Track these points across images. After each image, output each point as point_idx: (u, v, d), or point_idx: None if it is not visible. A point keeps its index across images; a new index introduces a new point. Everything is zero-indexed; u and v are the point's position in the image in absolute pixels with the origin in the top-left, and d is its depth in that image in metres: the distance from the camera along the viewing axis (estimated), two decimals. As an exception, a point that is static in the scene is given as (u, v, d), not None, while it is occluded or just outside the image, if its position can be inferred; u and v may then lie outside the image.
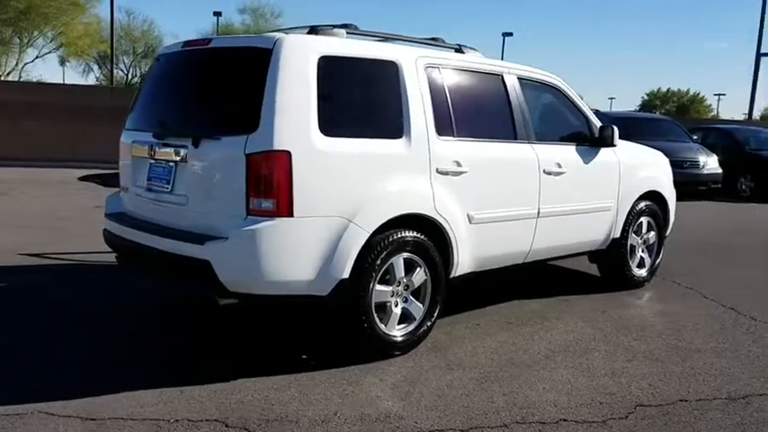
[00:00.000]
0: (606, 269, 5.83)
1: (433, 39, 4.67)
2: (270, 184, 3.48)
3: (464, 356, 4.09)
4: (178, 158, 3.82)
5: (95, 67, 45.74)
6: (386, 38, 4.38)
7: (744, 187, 14.97)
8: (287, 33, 3.76)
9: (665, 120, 15.66)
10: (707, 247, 8.04)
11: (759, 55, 30.50)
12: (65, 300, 4.95)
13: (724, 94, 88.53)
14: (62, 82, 37.90)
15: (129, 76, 46.51)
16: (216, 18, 42.31)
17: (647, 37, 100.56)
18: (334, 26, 4.00)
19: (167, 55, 4.34)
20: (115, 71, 36.47)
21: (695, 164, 13.61)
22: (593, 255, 5.65)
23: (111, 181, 12.96)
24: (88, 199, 10.31)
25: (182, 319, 4.73)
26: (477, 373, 3.83)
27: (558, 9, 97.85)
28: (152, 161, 4.03)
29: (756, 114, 33.87)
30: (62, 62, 44.25)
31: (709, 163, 13.97)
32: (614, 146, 5.33)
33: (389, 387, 3.62)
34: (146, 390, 3.44)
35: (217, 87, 3.84)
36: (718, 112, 66.88)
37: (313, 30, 3.90)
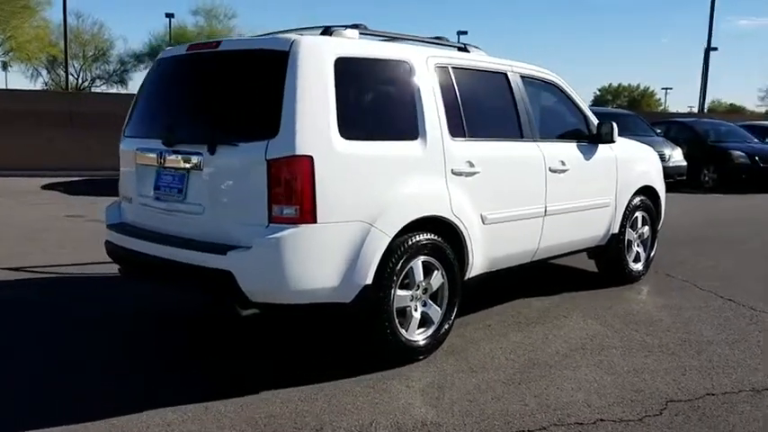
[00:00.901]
0: (604, 265, 5.87)
1: (437, 38, 4.62)
2: (293, 191, 3.38)
3: (484, 359, 4.04)
4: (191, 166, 3.68)
5: (44, 72, 44.47)
6: (393, 38, 4.30)
7: (707, 179, 15.35)
8: (300, 34, 3.66)
9: (629, 114, 15.92)
10: (688, 240, 8.18)
11: (708, 49, 31.35)
12: (59, 314, 4.73)
13: (671, 88, 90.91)
14: (4, 87, 36.77)
15: (80, 80, 45.33)
16: (168, 20, 41.64)
17: (591, 33, 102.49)
18: (346, 26, 3.91)
19: (169, 59, 4.18)
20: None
21: (661, 157, 13.77)
22: (592, 251, 5.67)
23: (75, 189, 12.64)
24: (58, 208, 9.99)
25: (186, 327, 4.57)
26: (502, 375, 3.79)
27: (506, 7, 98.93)
28: (160, 169, 3.88)
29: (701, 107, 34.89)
30: (4, 67, 42.90)
31: (674, 156, 14.28)
32: (614, 142, 5.37)
33: (418, 393, 3.55)
34: (167, 407, 3.29)
35: (231, 92, 3.71)
36: (666, 106, 68.71)
37: (326, 30, 3.80)
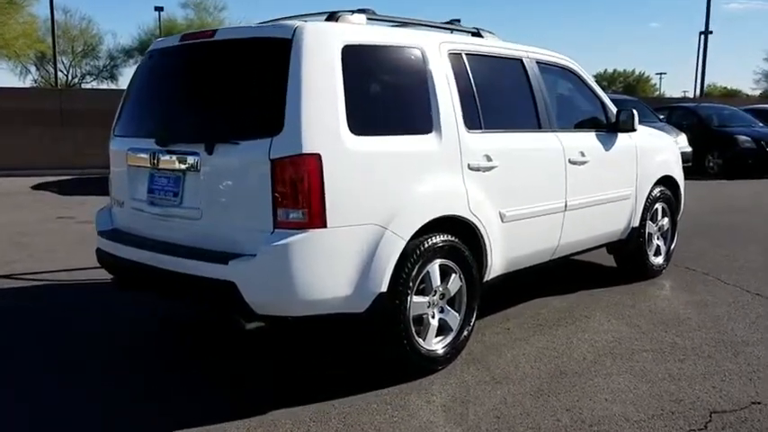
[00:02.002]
0: (625, 259, 5.59)
1: (450, 21, 4.31)
2: (300, 192, 3.07)
3: (507, 367, 3.76)
4: (187, 167, 3.38)
5: (33, 69, 43.84)
6: (404, 23, 3.99)
7: (711, 164, 15.08)
8: (304, 21, 3.35)
9: (631, 100, 15.59)
10: (703, 229, 7.90)
11: (706, 33, 31.01)
12: (52, 328, 4.43)
13: (665, 73, 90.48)
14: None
15: (70, 77, 44.75)
16: (158, 13, 41.02)
17: (582, 19, 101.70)
18: (352, 11, 3.59)
19: (161, 51, 3.86)
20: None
21: (666, 143, 13.58)
22: (612, 245, 5.39)
23: (66, 188, 12.30)
24: (48, 209, 9.67)
25: (188, 337, 4.28)
26: (529, 387, 3.50)
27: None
28: (154, 171, 3.57)
29: (697, 91, 34.54)
30: (-8, 64, 42.23)
31: (680, 141, 13.92)
32: (634, 131, 5.08)
33: (440, 409, 3.27)
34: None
35: (229, 85, 3.39)
36: (662, 91, 68.39)
37: (332, 16, 3.48)
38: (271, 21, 3.79)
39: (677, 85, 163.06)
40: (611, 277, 5.62)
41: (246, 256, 3.12)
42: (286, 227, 3.10)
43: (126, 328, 4.45)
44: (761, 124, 16.09)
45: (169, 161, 3.45)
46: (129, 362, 3.87)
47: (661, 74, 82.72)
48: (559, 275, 5.68)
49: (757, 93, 57.03)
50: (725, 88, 67.47)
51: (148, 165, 3.57)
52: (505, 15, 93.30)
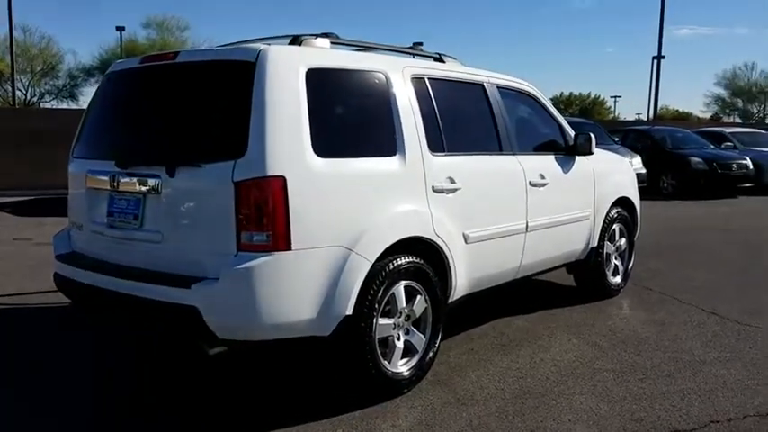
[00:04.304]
0: (584, 279, 5.68)
1: (412, 46, 4.36)
2: (264, 215, 3.06)
3: (472, 388, 3.77)
4: (147, 190, 3.33)
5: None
6: (367, 47, 4.02)
7: (666, 185, 15.45)
8: (267, 44, 3.35)
9: (588, 123, 15.90)
10: (658, 249, 8.07)
11: (659, 57, 31.90)
12: (16, 354, 4.30)
13: (620, 96, 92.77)
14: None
15: (29, 96, 43.87)
16: (119, 33, 40.64)
17: (537, 42, 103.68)
18: (316, 35, 3.61)
19: (121, 72, 3.82)
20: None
21: (622, 165, 13.88)
22: (572, 265, 5.48)
23: (23, 209, 11.99)
24: (4, 231, 9.40)
25: (139, 371, 4.18)
26: (494, 408, 3.52)
27: (448, 15, 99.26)
28: (114, 194, 3.51)
29: (650, 114, 35.50)
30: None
31: (635, 163, 14.25)
32: (592, 154, 5.19)
33: (406, 433, 3.26)
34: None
35: (191, 108, 3.36)
36: (616, 114, 70.06)
37: (295, 40, 3.50)
38: (233, 43, 3.78)
39: (631, 107, 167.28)
40: (570, 296, 5.70)
41: (209, 280, 3.09)
42: (250, 249, 3.08)
43: (78, 354, 4.33)
44: (712, 146, 16.58)
45: (129, 183, 3.40)
46: (75, 389, 3.77)
47: (616, 97, 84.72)
48: (520, 294, 5.73)
49: (708, 115, 59.00)
50: (677, 111, 69.45)
51: (108, 187, 3.51)
52: (460, 38, 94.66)
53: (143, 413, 3.44)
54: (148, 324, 3.45)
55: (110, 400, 3.63)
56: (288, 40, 3.55)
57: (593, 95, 70.77)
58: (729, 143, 17.38)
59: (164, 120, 3.47)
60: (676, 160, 15.29)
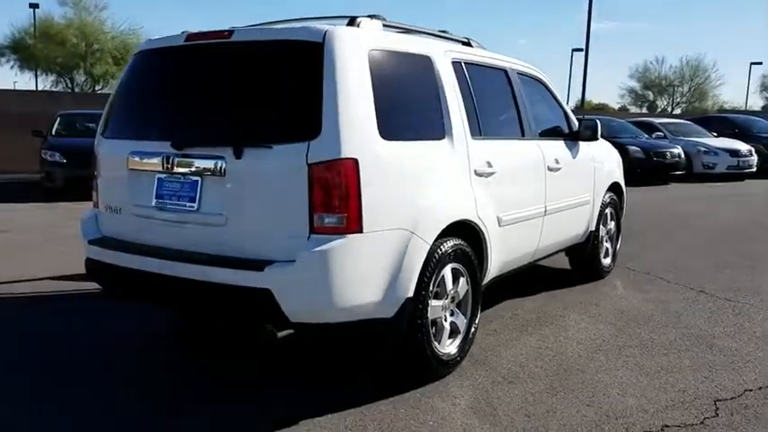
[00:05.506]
0: (580, 261, 5.88)
1: (442, 31, 4.38)
2: (338, 197, 3.03)
3: (513, 367, 3.87)
4: (208, 171, 3.23)
5: None
6: (408, 30, 4.01)
7: (605, 173, 16.04)
8: (332, 24, 3.30)
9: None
10: (626, 232, 8.41)
11: (587, 50, 32.94)
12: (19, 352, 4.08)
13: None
14: None
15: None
16: (32, 10, 38.40)
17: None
18: (370, 16, 3.58)
19: (160, 50, 3.66)
20: None
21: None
22: (571, 248, 5.66)
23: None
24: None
25: (174, 351, 4.07)
26: (543, 385, 3.62)
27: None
28: (163, 175, 3.38)
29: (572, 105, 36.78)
30: None
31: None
32: (596, 140, 5.37)
33: (471, 411, 3.31)
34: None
35: (255, 88, 3.26)
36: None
37: (352, 21, 3.45)
38: (273, 22, 3.71)
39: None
40: (564, 278, 5.89)
41: (282, 263, 3.03)
42: (323, 232, 3.04)
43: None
44: (645, 136, 17.36)
45: (186, 165, 3.29)
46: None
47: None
48: (518, 278, 5.85)
49: (622, 106, 61.46)
50: (592, 103, 72.15)
51: (159, 169, 3.38)
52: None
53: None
54: (213, 309, 3.33)
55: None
56: (334, 21, 3.49)
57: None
58: (660, 133, 18.23)
59: (225, 100, 3.36)
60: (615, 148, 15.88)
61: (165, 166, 3.35)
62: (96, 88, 39.62)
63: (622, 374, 3.79)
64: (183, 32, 3.61)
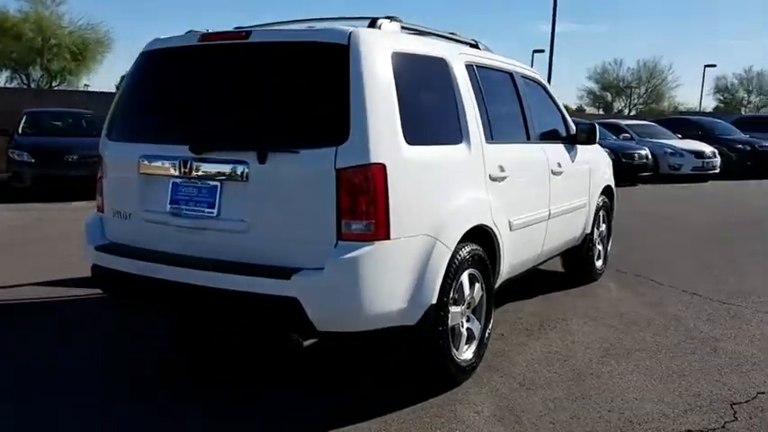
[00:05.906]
0: (574, 264, 5.91)
1: (451, 33, 4.34)
2: (366, 203, 2.96)
3: (528, 373, 3.85)
4: (229, 176, 3.13)
5: None
6: (420, 32, 3.96)
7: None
8: (353, 25, 3.23)
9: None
10: (607, 234, 8.52)
11: (551, 51, 33.36)
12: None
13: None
14: None
15: None
16: (-14, 3, 37.19)
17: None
18: (389, 18, 3.51)
19: (170, 51, 3.54)
20: None
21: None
22: (569, 251, 5.68)
23: None
24: None
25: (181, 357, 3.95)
26: (561, 392, 3.61)
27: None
28: (179, 180, 3.27)
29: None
30: None
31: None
32: (594, 144, 5.40)
33: (495, 419, 3.28)
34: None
35: (277, 90, 3.17)
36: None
37: (373, 23, 3.38)
38: (288, 21, 3.62)
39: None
40: (558, 281, 5.90)
41: (308, 270, 2.95)
42: (351, 239, 2.98)
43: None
44: (614, 137, 17.63)
45: (206, 170, 3.18)
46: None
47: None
48: (513, 282, 5.86)
49: (579, 107, 62.41)
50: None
51: (174, 173, 3.26)
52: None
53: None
54: (234, 317, 3.23)
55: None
56: (353, 23, 3.42)
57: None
58: (627, 134, 18.53)
59: (246, 103, 3.25)
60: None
61: (181, 170, 3.24)
62: (53, 84, 38.55)
63: (636, 379, 3.80)
64: (189, 31, 3.51)
